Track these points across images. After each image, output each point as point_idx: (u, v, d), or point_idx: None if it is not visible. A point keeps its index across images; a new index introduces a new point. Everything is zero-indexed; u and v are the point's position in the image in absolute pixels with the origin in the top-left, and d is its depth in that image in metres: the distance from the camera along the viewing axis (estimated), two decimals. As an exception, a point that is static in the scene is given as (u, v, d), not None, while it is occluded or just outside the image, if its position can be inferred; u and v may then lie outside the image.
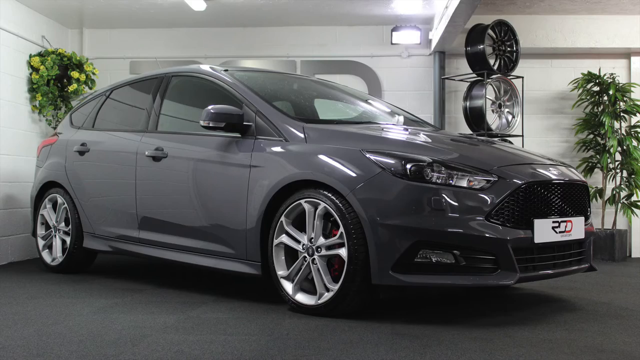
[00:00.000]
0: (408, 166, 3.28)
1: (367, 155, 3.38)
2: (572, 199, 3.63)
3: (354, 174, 3.35)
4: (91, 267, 5.28)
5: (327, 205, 3.39)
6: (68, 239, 5.08)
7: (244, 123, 3.87)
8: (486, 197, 3.25)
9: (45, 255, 5.28)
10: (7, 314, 3.56)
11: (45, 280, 4.82)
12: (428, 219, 3.19)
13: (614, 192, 6.70)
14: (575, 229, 3.57)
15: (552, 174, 3.60)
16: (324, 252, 3.41)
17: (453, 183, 3.27)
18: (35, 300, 3.97)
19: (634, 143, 6.67)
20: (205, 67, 4.53)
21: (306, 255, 3.48)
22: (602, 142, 6.72)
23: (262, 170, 3.72)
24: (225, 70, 4.38)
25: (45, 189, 5.35)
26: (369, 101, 5.05)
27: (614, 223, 6.71)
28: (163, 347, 2.80)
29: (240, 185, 3.80)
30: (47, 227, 5.31)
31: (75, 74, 6.56)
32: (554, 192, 3.52)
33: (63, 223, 5.16)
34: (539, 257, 3.42)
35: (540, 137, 7.12)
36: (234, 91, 4.13)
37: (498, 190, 3.28)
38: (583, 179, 3.88)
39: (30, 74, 6.39)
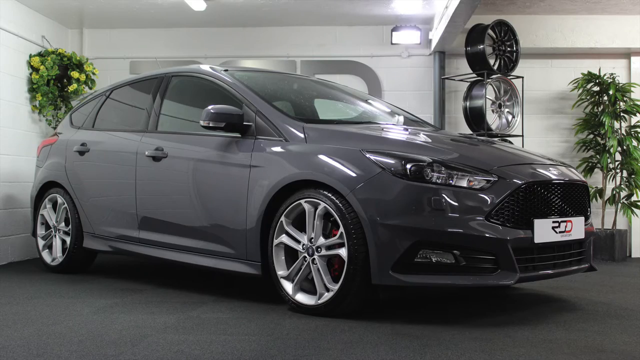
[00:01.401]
0: (408, 166, 3.27)
1: (367, 155, 3.37)
2: (572, 199, 3.63)
3: (354, 174, 3.35)
4: (91, 267, 5.28)
5: (327, 205, 3.39)
6: (68, 239, 5.08)
7: (244, 123, 3.88)
8: (486, 197, 3.25)
9: (45, 255, 5.28)
10: (7, 314, 3.55)
11: (45, 280, 4.82)
12: (428, 219, 3.19)
13: (614, 192, 6.70)
14: (575, 229, 3.57)
15: (552, 174, 3.60)
16: (324, 252, 3.41)
17: (453, 183, 3.27)
18: (35, 300, 3.97)
19: (634, 143, 6.67)
20: (205, 67, 4.53)
21: (306, 255, 3.48)
22: (602, 142, 6.72)
23: (262, 170, 3.72)
24: (225, 70, 4.38)
25: (45, 189, 5.35)
26: (369, 101, 5.04)
27: (614, 223, 6.71)
28: (163, 347, 2.81)
29: (240, 185, 3.80)
30: (47, 227, 5.31)
31: (75, 74, 6.56)
32: (554, 192, 3.51)
33: (63, 223, 5.16)
34: (539, 257, 3.42)
35: (540, 137, 7.12)
36: (234, 91, 4.13)
37: (498, 190, 3.28)
38: (583, 179, 3.88)
39: (30, 74, 6.39)
